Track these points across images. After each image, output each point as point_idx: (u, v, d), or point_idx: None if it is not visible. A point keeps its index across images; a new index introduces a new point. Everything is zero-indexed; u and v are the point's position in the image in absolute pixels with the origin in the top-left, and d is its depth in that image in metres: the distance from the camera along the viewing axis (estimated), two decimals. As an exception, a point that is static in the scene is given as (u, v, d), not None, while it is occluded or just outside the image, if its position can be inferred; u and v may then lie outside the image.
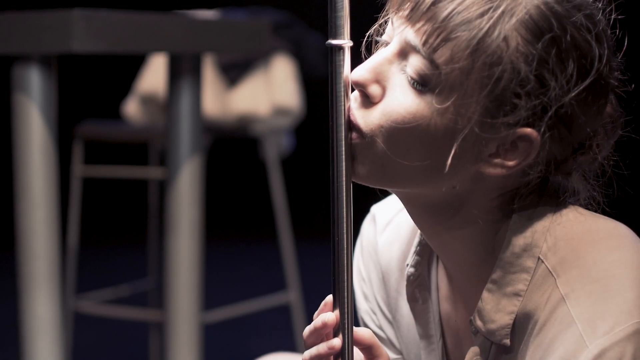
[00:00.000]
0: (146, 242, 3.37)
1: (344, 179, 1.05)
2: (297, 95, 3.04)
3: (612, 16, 1.07)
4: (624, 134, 1.11)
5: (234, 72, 3.06)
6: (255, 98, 3.01)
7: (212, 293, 3.44)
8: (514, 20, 1.01)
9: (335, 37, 1.04)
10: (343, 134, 1.05)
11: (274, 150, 3.08)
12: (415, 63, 1.03)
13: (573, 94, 1.02)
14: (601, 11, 1.06)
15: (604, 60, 1.04)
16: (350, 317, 1.06)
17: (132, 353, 3.52)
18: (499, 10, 1.01)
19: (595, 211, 1.10)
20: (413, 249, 1.19)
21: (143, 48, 1.94)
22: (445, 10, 1.01)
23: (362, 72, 1.06)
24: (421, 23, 1.03)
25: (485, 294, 1.08)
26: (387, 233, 1.26)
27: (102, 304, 3.41)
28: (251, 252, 5.23)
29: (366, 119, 1.05)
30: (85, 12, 1.77)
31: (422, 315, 1.20)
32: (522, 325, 1.06)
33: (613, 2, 1.08)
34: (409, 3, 1.04)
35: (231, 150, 5.12)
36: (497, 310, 1.07)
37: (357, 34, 1.09)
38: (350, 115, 1.06)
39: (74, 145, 3.01)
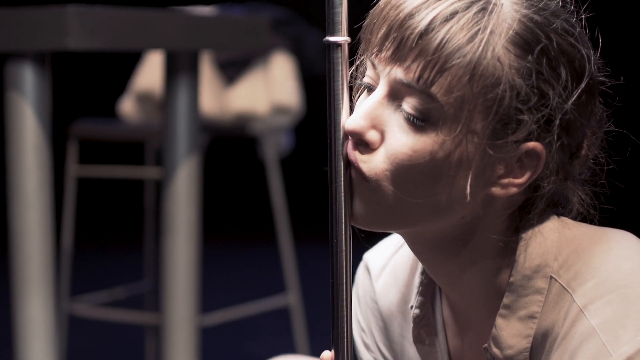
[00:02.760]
0: (142, 244, 3.37)
1: (342, 179, 1.05)
2: (297, 94, 3.04)
3: (582, 16, 1.08)
4: (609, 129, 1.12)
5: (232, 69, 3.07)
6: (253, 96, 3.01)
7: (209, 295, 3.44)
8: (502, 38, 1.02)
9: (333, 34, 1.04)
10: (341, 133, 1.05)
11: (273, 150, 3.08)
12: (412, 100, 1.03)
13: (573, 99, 1.04)
14: (574, 14, 1.07)
15: (592, 60, 1.06)
16: (349, 319, 1.06)
17: (128, 357, 3.53)
18: (487, 31, 1.01)
19: (592, 216, 1.12)
20: (415, 289, 1.20)
21: (139, 45, 1.94)
22: (434, 41, 1.01)
23: (357, 120, 1.04)
24: (410, 59, 1.02)
25: (499, 320, 1.09)
26: (384, 278, 1.26)
27: (97, 307, 3.41)
28: (250, 253, 5.23)
29: (369, 164, 1.04)
30: (80, 9, 1.77)
31: (430, 356, 1.20)
32: (540, 345, 1.07)
33: (581, 3, 1.09)
34: (389, 43, 1.04)
35: (229, 149, 5.12)
36: (513, 335, 1.08)
37: (355, 31, 1.09)
38: (352, 162, 1.05)
39: (69, 145, 3.01)
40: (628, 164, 1.16)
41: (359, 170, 1.05)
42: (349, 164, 1.06)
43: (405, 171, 1.03)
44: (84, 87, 5.64)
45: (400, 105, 1.04)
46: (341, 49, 1.04)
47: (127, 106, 3.14)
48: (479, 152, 1.03)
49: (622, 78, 1.10)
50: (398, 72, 1.03)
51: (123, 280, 3.71)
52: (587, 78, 1.05)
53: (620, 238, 1.08)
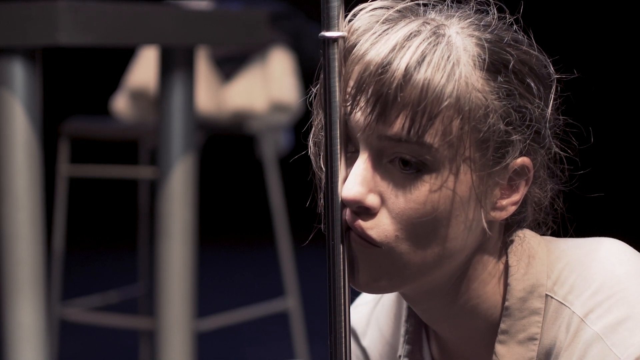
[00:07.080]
0: (136, 246, 3.38)
1: (338, 179, 1.05)
2: (296, 91, 3.05)
3: (511, 18, 1.09)
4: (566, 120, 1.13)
5: (229, 66, 3.07)
6: (251, 93, 3.02)
7: (206, 299, 3.45)
8: (475, 67, 1.02)
9: (328, 29, 1.04)
10: (337, 132, 1.05)
11: (271, 149, 3.09)
12: (406, 152, 1.02)
13: (550, 104, 1.06)
14: (511, 24, 1.09)
15: (547, 60, 1.08)
16: (347, 323, 1.07)
17: (122, 363, 3.54)
18: (461, 64, 1.02)
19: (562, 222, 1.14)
20: (402, 339, 1.20)
21: (133, 41, 1.95)
22: (415, 90, 1.00)
23: (354, 188, 1.03)
24: (394, 115, 1.01)
25: (498, 347, 1.10)
26: (370, 334, 1.27)
27: (90, 311, 3.42)
28: (247, 256, 5.24)
29: (377, 229, 1.04)
30: (72, 3, 1.77)
31: None
32: None
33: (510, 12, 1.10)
34: (364, 102, 1.02)
35: (226, 148, 5.12)
36: None
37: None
38: (358, 230, 1.04)
39: (60, 144, 3.02)
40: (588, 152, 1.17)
41: (368, 238, 1.04)
42: (348, 230, 1.05)
43: (416, 225, 1.03)
44: (75, 84, 5.65)
45: (391, 161, 1.04)
46: (337, 44, 1.04)
47: (121, 104, 3.15)
48: (481, 183, 1.04)
49: (574, 71, 1.12)
50: (381, 129, 1.02)
51: (116, 284, 3.72)
52: (554, 80, 1.07)
53: (608, 245, 1.10)
